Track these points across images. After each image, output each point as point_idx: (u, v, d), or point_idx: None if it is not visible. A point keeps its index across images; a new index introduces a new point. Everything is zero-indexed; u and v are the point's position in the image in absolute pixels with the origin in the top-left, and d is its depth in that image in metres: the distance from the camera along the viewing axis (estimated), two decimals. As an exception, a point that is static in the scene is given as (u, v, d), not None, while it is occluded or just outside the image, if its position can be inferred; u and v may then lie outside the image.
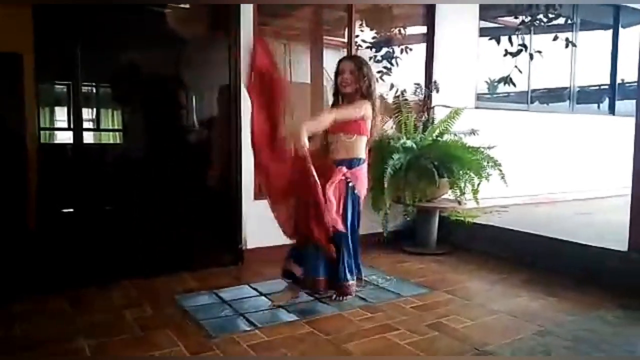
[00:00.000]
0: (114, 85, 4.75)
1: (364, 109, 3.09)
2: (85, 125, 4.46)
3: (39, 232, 3.81)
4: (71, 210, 4.04)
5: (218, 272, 3.81)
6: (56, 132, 4.80)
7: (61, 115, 4.70)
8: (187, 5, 4.33)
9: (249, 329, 2.77)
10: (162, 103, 4.74)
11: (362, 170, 3.18)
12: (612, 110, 6.93)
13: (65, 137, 4.43)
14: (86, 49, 3.92)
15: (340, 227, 3.00)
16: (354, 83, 3.13)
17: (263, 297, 3.28)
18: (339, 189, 3.05)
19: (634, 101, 3.59)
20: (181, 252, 4.04)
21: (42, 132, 4.30)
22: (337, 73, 3.20)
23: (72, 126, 4.05)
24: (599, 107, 7.11)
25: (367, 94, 3.13)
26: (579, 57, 6.39)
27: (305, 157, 2.82)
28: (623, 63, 6.80)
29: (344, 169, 3.07)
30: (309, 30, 5.23)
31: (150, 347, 2.53)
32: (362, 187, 3.19)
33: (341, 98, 3.25)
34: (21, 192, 3.93)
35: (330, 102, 3.37)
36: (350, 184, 3.10)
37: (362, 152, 3.17)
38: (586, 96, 6.93)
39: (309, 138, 2.90)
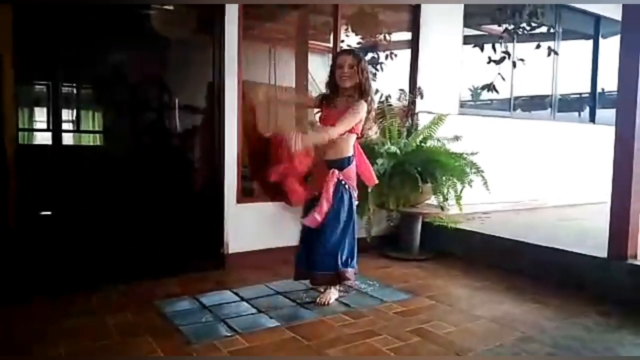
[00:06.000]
0: (95, 86, 4.69)
1: (362, 112, 3.08)
2: (65, 126, 4.39)
3: (19, 235, 3.73)
4: (49, 212, 3.96)
5: (199, 277, 3.75)
6: (35, 133, 4.71)
7: (40, 116, 4.61)
8: (171, 7, 4.28)
9: (229, 334, 2.72)
10: (144, 105, 4.69)
11: (353, 168, 3.21)
12: (592, 118, 7.04)
13: (44, 138, 4.35)
14: (67, 49, 3.86)
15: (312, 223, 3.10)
16: (354, 77, 3.12)
17: (244, 303, 3.24)
18: (333, 191, 3.09)
19: (613, 110, 3.64)
20: (162, 257, 3.99)
21: (20, 133, 4.22)
22: (335, 67, 3.17)
23: (51, 127, 3.97)
24: (579, 115, 7.21)
25: (364, 90, 3.12)
26: (561, 65, 6.48)
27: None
28: (603, 72, 6.91)
29: (337, 172, 3.11)
30: (294, 34, 5.22)
31: (129, 353, 2.49)
32: (354, 182, 3.23)
33: (337, 92, 3.21)
34: (1, 194, 3.84)
35: (319, 96, 3.36)
36: (345, 186, 3.15)
37: (350, 150, 3.19)
38: (567, 104, 7.02)
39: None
